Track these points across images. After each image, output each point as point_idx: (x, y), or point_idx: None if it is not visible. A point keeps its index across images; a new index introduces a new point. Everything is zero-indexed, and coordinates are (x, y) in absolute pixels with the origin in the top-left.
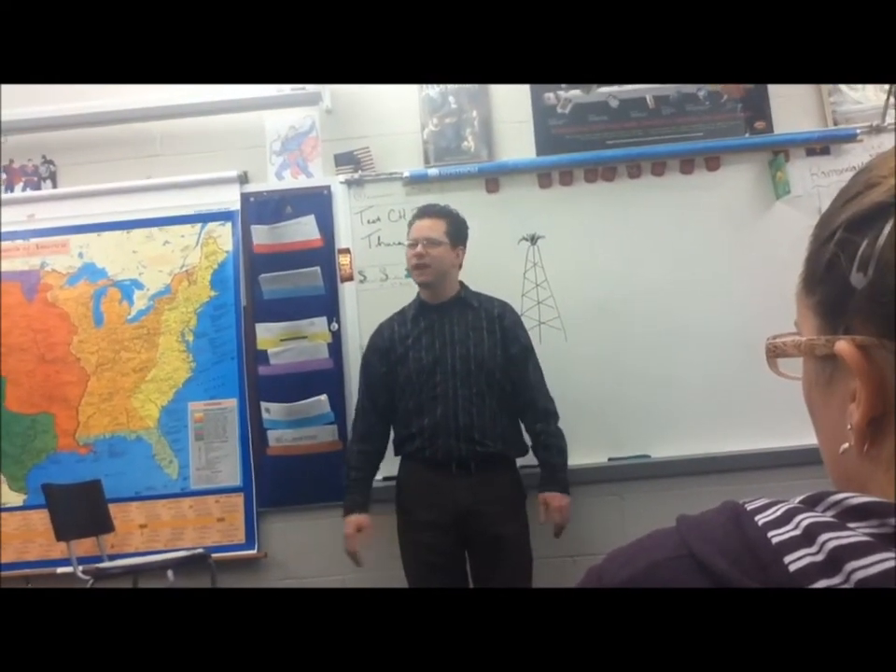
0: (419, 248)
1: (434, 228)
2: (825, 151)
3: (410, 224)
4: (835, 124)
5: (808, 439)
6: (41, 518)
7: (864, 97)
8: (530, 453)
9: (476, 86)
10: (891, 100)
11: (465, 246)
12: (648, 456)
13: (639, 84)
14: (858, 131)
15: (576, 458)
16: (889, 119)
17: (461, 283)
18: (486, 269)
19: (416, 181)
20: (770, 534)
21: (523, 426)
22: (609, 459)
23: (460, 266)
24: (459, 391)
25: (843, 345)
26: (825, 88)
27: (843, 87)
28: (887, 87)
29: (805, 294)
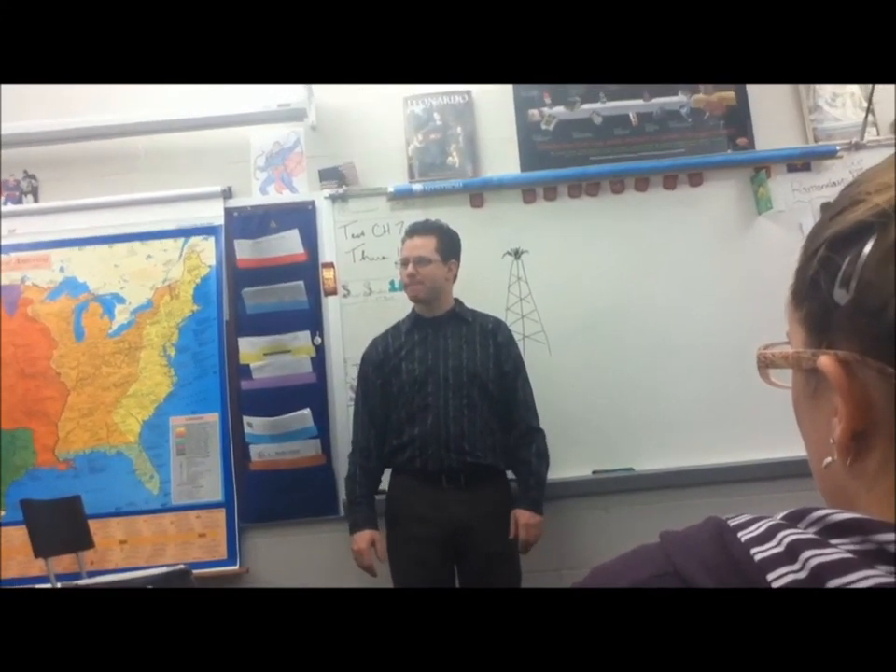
0: (410, 268)
1: (424, 246)
2: (806, 167)
3: (402, 241)
4: (816, 141)
5: (794, 451)
6: (20, 534)
7: (844, 114)
8: None
9: (461, 102)
10: (870, 118)
11: (458, 260)
12: (632, 469)
13: (623, 92)
14: (838, 147)
15: (560, 472)
16: (868, 137)
17: (456, 299)
18: (471, 283)
19: (401, 196)
20: (753, 551)
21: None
22: (594, 472)
23: (454, 279)
24: (450, 402)
25: (825, 360)
26: (806, 105)
27: (823, 104)
28: (865, 104)
29: (794, 306)
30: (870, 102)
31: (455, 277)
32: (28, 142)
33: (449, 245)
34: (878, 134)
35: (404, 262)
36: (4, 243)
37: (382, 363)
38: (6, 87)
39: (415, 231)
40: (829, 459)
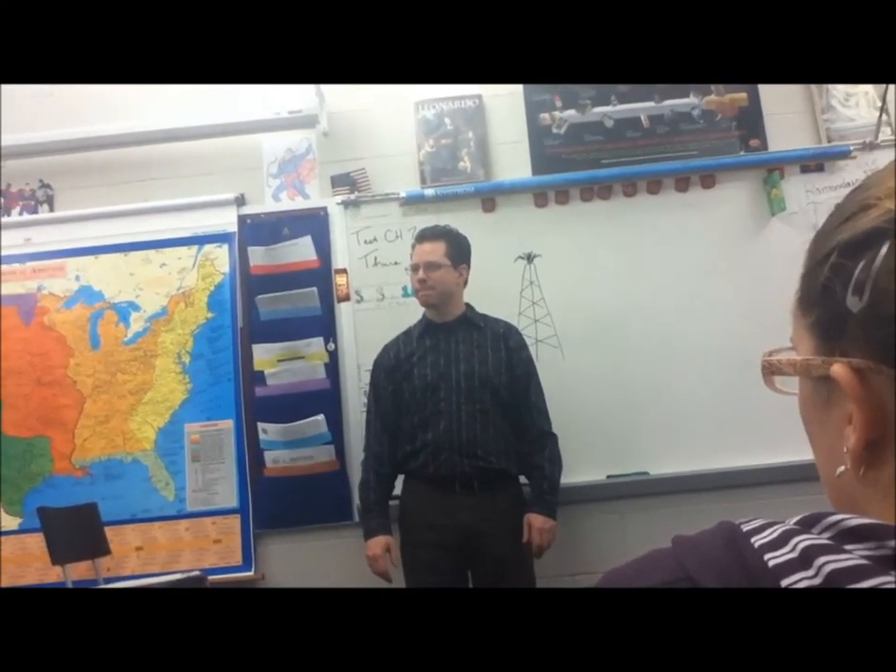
0: (420, 273)
1: (434, 251)
2: (819, 168)
3: (412, 247)
4: (829, 141)
5: (807, 455)
6: (37, 542)
7: (857, 114)
8: None
9: (472, 106)
10: (884, 117)
11: (468, 264)
12: (647, 474)
13: (634, 95)
14: (851, 148)
15: (574, 476)
16: (882, 137)
17: (467, 304)
18: (483, 288)
19: (413, 202)
20: (767, 556)
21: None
22: (608, 477)
23: (465, 284)
24: (463, 407)
25: (839, 368)
26: (818, 105)
27: (836, 104)
28: (879, 104)
29: (801, 313)
30: (884, 101)
31: (465, 282)
32: (43, 151)
33: (459, 250)
34: (892, 134)
35: (414, 268)
36: (20, 252)
37: (393, 369)
38: (22, 99)
39: (425, 236)
40: (842, 468)
